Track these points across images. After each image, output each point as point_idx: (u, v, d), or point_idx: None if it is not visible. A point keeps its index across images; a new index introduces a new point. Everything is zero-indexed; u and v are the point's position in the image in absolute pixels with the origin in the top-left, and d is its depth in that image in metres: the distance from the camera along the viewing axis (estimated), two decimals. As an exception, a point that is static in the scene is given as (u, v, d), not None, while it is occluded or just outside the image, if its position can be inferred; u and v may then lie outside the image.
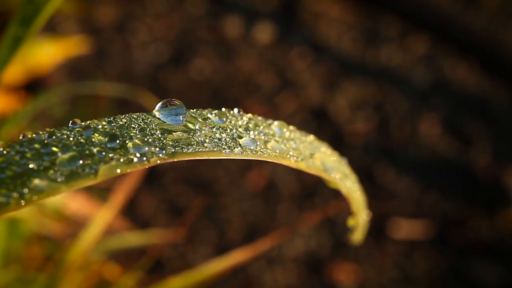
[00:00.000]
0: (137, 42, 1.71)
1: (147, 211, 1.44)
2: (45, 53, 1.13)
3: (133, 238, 1.01)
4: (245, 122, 0.31)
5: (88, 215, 0.91)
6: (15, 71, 1.12)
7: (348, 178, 0.36)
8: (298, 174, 1.54)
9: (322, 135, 1.61)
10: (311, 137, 0.34)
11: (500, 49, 1.82)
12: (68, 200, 0.92)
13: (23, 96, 1.13)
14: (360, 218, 0.40)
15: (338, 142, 1.60)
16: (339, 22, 1.85)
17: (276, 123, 0.33)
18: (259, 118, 0.32)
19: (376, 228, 1.49)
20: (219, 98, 1.63)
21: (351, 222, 0.41)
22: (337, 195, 1.55)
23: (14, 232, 0.81)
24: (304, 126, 1.62)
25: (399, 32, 1.84)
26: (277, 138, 0.31)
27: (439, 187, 1.57)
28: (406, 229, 1.49)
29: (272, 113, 1.63)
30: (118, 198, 0.79)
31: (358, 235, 0.42)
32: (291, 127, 0.33)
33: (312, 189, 1.52)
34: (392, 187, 1.55)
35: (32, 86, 1.20)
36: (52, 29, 1.63)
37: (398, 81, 1.76)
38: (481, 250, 1.48)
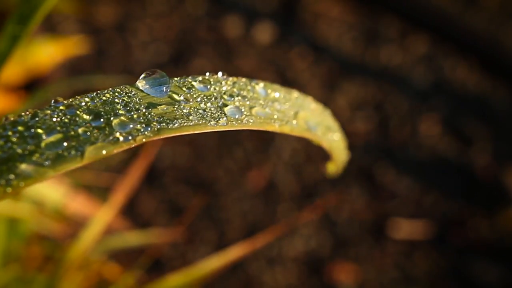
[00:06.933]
0: (137, 42, 1.71)
1: (147, 211, 1.44)
2: (44, 53, 1.13)
3: (133, 238, 1.01)
4: (229, 87, 0.30)
5: (88, 215, 0.91)
6: (14, 71, 1.12)
7: (330, 130, 0.36)
8: (298, 174, 1.54)
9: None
10: (295, 94, 0.34)
11: (500, 49, 1.82)
12: (68, 200, 0.92)
13: (22, 96, 1.13)
14: (338, 161, 0.40)
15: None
16: (339, 22, 1.85)
17: (261, 84, 0.32)
18: (243, 80, 0.31)
19: (376, 228, 1.49)
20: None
21: (330, 166, 0.41)
22: (336, 195, 1.55)
23: (14, 232, 0.81)
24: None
25: (399, 32, 1.84)
26: (261, 102, 0.31)
27: (439, 187, 1.57)
28: (406, 229, 1.49)
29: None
30: (118, 197, 0.79)
31: (336, 170, 0.42)
32: (276, 86, 0.33)
33: (312, 189, 1.52)
34: (392, 187, 1.55)
35: (32, 86, 1.20)
36: (52, 29, 1.63)
37: (398, 81, 1.76)
38: (481, 250, 1.48)
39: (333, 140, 0.37)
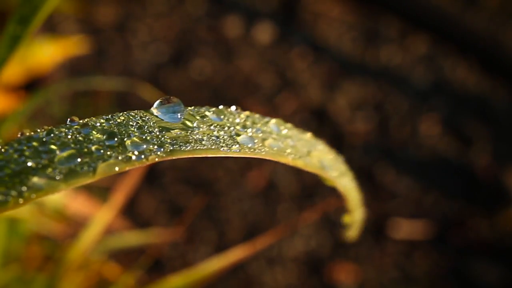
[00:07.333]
0: (137, 42, 1.71)
1: (147, 210, 1.44)
2: (45, 53, 1.13)
3: (133, 238, 1.01)
4: (242, 120, 0.31)
5: (88, 215, 0.92)
6: (15, 71, 1.12)
7: (344, 176, 0.37)
8: (298, 174, 1.54)
9: (322, 135, 1.61)
10: (308, 135, 0.34)
11: (500, 49, 1.82)
12: (68, 200, 0.92)
13: (22, 96, 1.13)
14: (356, 215, 0.40)
15: (338, 142, 1.60)
16: (339, 22, 1.85)
17: (273, 120, 0.32)
18: (257, 115, 0.32)
19: (376, 228, 1.49)
20: (219, 98, 1.63)
21: (346, 219, 0.41)
22: (337, 195, 1.55)
23: (14, 232, 0.81)
24: (304, 126, 1.62)
25: (399, 32, 1.84)
26: (274, 136, 0.31)
27: (439, 187, 1.57)
28: (406, 229, 1.49)
29: (272, 113, 1.63)
30: (118, 197, 0.79)
31: (353, 232, 0.42)
32: (289, 125, 0.33)
33: (312, 189, 1.52)
34: (392, 187, 1.55)
35: (32, 86, 1.20)
36: (52, 29, 1.63)
37: (398, 81, 1.76)
38: (481, 250, 1.48)
39: (348, 187, 0.37)
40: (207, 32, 1.77)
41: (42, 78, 1.23)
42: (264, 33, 1.79)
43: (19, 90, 1.15)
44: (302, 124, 1.63)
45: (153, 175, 1.48)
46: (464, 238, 1.50)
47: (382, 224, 1.50)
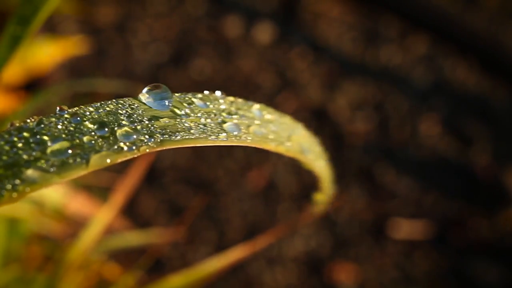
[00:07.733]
0: (137, 42, 1.71)
1: (147, 210, 1.44)
2: (44, 53, 1.13)
3: (133, 238, 1.01)
4: (227, 106, 0.31)
5: (88, 215, 0.91)
6: (14, 71, 1.12)
7: (320, 158, 0.37)
8: (298, 174, 1.54)
9: (322, 135, 1.61)
10: (287, 119, 0.35)
11: (500, 49, 1.82)
12: (68, 200, 0.92)
13: (22, 96, 1.13)
14: (326, 194, 0.41)
15: (338, 142, 1.60)
16: (339, 22, 1.85)
17: (256, 105, 0.33)
18: (240, 100, 0.32)
19: (376, 228, 1.49)
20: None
21: (318, 197, 0.43)
22: (337, 194, 1.55)
23: (14, 232, 0.81)
24: (304, 126, 1.62)
25: (399, 32, 1.84)
26: (257, 122, 0.32)
27: (439, 187, 1.57)
28: (406, 229, 1.49)
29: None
30: (118, 197, 0.79)
31: (319, 208, 0.44)
32: (270, 109, 0.34)
33: (312, 189, 1.52)
34: (392, 187, 1.55)
35: (32, 86, 1.20)
36: (52, 29, 1.63)
37: (398, 81, 1.76)
38: (481, 250, 1.48)
39: (323, 168, 0.38)
40: (207, 32, 1.77)
41: (42, 78, 1.23)
42: (264, 33, 1.79)
43: (19, 90, 1.16)
44: (302, 124, 1.62)
45: (153, 175, 1.48)
46: (464, 238, 1.50)
47: (382, 224, 1.50)
